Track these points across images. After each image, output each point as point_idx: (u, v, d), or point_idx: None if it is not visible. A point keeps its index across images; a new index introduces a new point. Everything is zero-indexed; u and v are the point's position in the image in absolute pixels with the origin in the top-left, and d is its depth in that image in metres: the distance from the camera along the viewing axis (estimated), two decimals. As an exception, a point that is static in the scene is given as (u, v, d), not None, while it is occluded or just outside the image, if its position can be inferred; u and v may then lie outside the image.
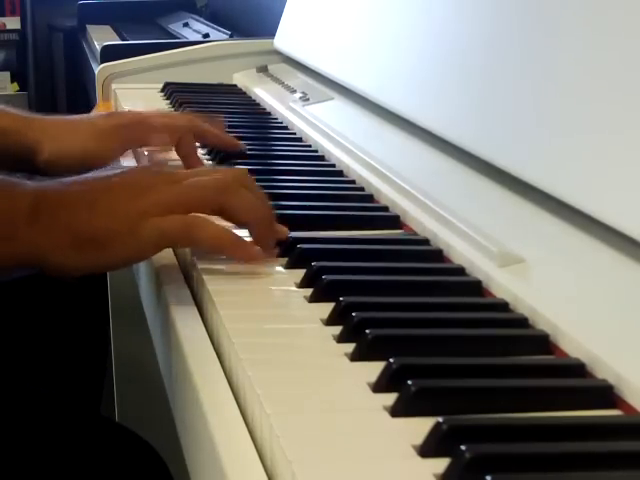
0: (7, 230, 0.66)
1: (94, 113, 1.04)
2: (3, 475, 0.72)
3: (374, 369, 0.52)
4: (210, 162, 1.00)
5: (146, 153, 1.00)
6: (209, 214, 0.69)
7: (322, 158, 1.00)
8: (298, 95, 1.24)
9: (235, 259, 0.69)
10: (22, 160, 0.95)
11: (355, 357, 0.55)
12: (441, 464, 0.43)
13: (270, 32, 1.51)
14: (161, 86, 1.40)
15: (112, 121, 0.97)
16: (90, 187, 0.69)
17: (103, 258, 0.67)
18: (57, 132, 0.95)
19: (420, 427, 0.46)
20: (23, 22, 3.72)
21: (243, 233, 0.71)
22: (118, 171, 0.71)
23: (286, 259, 0.70)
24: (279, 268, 0.69)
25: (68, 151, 0.94)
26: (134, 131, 0.97)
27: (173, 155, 0.97)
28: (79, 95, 3.26)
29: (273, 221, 0.72)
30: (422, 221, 0.76)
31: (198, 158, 0.97)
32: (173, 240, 0.69)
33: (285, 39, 1.46)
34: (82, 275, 0.68)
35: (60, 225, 0.66)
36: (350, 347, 0.55)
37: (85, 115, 1.01)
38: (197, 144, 0.99)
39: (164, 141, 0.97)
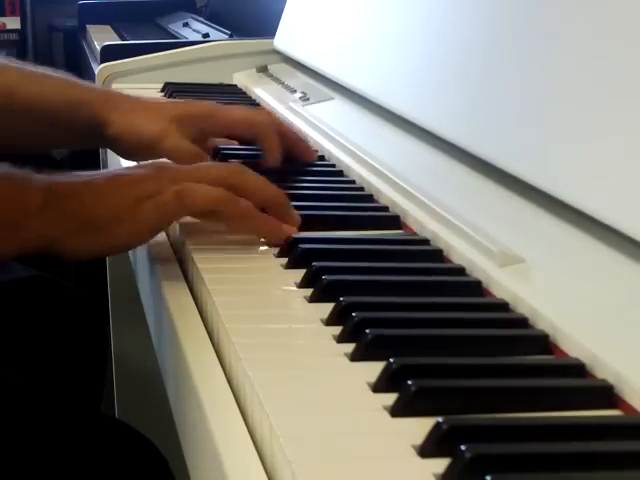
0: (20, 219, 0.70)
1: (169, 99, 1.03)
2: (3, 474, 0.72)
3: (374, 369, 0.52)
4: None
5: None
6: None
7: (322, 158, 1.00)
8: (298, 95, 1.24)
9: (231, 219, 0.73)
10: (91, 132, 0.94)
11: (355, 357, 0.55)
12: (441, 464, 0.43)
13: (270, 32, 1.51)
14: (161, 86, 1.40)
15: (185, 108, 0.94)
16: (95, 179, 0.74)
17: (106, 241, 0.71)
18: (130, 109, 0.94)
19: (420, 427, 0.46)
20: (23, 22, 3.72)
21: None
22: (121, 167, 0.77)
23: (286, 259, 0.70)
24: (279, 268, 0.69)
25: (137, 130, 0.91)
26: (206, 122, 0.94)
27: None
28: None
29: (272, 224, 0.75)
30: (422, 221, 0.76)
31: (278, 156, 0.93)
32: (169, 211, 0.72)
33: (285, 39, 1.46)
34: (87, 259, 0.73)
35: (67, 212, 0.71)
36: (350, 347, 0.55)
37: (159, 98, 1.00)
38: None
39: (241, 134, 0.95)
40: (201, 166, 0.78)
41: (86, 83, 0.99)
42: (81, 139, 0.99)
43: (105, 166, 1.32)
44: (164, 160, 0.89)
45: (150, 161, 0.86)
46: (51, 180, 0.73)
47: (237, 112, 0.96)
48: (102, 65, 1.48)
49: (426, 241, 0.74)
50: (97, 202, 0.72)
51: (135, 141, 0.92)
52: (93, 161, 1.42)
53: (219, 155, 0.98)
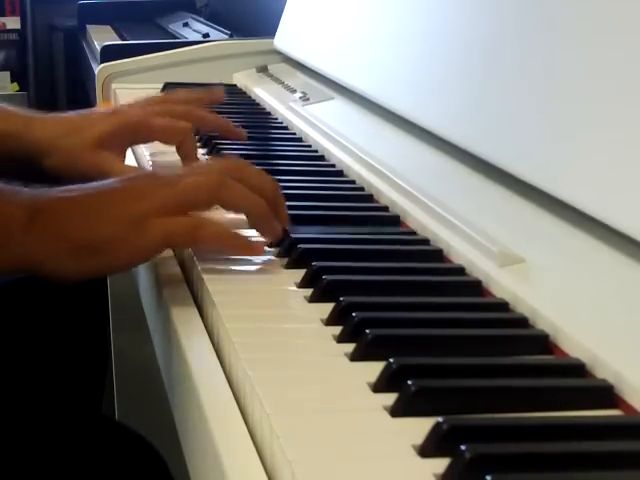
0: (2, 239, 0.66)
1: (96, 111, 1.03)
2: (3, 475, 0.72)
3: (374, 369, 0.52)
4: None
5: (148, 157, 1.00)
6: (206, 210, 0.71)
7: (322, 158, 1.00)
8: (298, 95, 1.24)
9: (238, 255, 0.71)
10: (26, 163, 0.95)
11: (355, 357, 0.55)
12: (441, 464, 0.43)
13: (270, 32, 1.51)
14: (161, 86, 1.40)
15: (112, 124, 0.96)
16: (85, 194, 0.70)
17: (100, 264, 0.67)
18: (58, 136, 0.94)
19: (420, 427, 0.46)
20: (23, 22, 3.73)
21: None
22: (113, 180, 0.72)
23: (286, 259, 0.70)
24: (279, 268, 0.69)
25: (70, 162, 0.93)
26: (133, 135, 0.96)
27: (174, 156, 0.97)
28: (79, 95, 3.26)
29: (268, 210, 0.72)
30: (422, 221, 0.76)
31: (198, 159, 0.97)
32: (177, 241, 0.70)
33: (285, 39, 1.46)
34: (79, 281, 0.69)
35: (55, 232, 0.66)
36: (350, 347, 0.55)
37: (87, 115, 1.00)
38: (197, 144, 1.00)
39: (165, 142, 0.97)
40: (195, 179, 0.72)
41: (16, 110, 0.99)
42: (14, 170, 0.98)
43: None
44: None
45: (142, 173, 0.84)
46: (39, 196, 0.68)
47: (157, 122, 0.97)
48: (102, 65, 1.49)
49: (426, 241, 0.74)
50: (91, 221, 0.67)
51: (76, 175, 0.91)
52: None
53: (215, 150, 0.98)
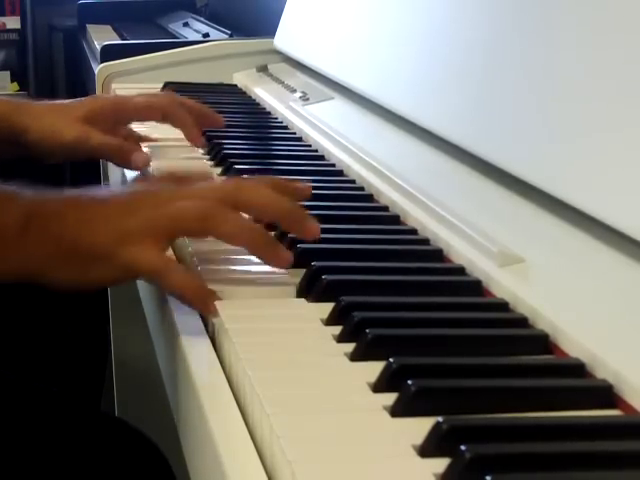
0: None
1: (81, 99, 1.05)
2: (4, 472, 0.72)
3: (374, 369, 0.52)
4: (210, 162, 1.00)
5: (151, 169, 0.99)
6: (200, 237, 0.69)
7: (322, 158, 1.00)
8: (298, 95, 1.24)
9: (223, 237, 0.66)
10: (12, 143, 0.96)
11: (355, 357, 0.55)
12: (441, 464, 0.43)
13: (270, 32, 1.51)
14: (161, 86, 1.40)
15: (92, 105, 1.00)
16: (83, 201, 0.69)
17: (87, 274, 0.66)
18: (43, 114, 0.97)
19: (420, 427, 0.46)
20: (23, 22, 3.72)
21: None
22: (109, 190, 0.73)
23: (286, 259, 0.70)
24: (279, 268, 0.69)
25: (57, 135, 0.95)
26: (114, 113, 1.00)
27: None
28: (79, 95, 3.25)
29: (267, 238, 0.68)
30: (422, 221, 0.76)
31: (195, 127, 1.00)
32: (139, 276, 0.68)
33: (285, 39, 1.46)
34: (75, 291, 0.67)
35: (50, 236, 0.65)
36: (350, 347, 0.55)
37: (72, 100, 1.02)
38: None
39: (147, 118, 1.02)
40: (201, 186, 0.70)
41: (4, 98, 1.02)
42: (5, 150, 0.99)
43: (105, 170, 1.32)
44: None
45: (144, 186, 0.80)
46: (36, 200, 0.68)
47: (140, 99, 1.01)
48: (102, 65, 1.49)
49: (426, 241, 0.74)
50: (83, 231, 0.65)
51: (57, 145, 0.95)
52: (94, 165, 1.42)
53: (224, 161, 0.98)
